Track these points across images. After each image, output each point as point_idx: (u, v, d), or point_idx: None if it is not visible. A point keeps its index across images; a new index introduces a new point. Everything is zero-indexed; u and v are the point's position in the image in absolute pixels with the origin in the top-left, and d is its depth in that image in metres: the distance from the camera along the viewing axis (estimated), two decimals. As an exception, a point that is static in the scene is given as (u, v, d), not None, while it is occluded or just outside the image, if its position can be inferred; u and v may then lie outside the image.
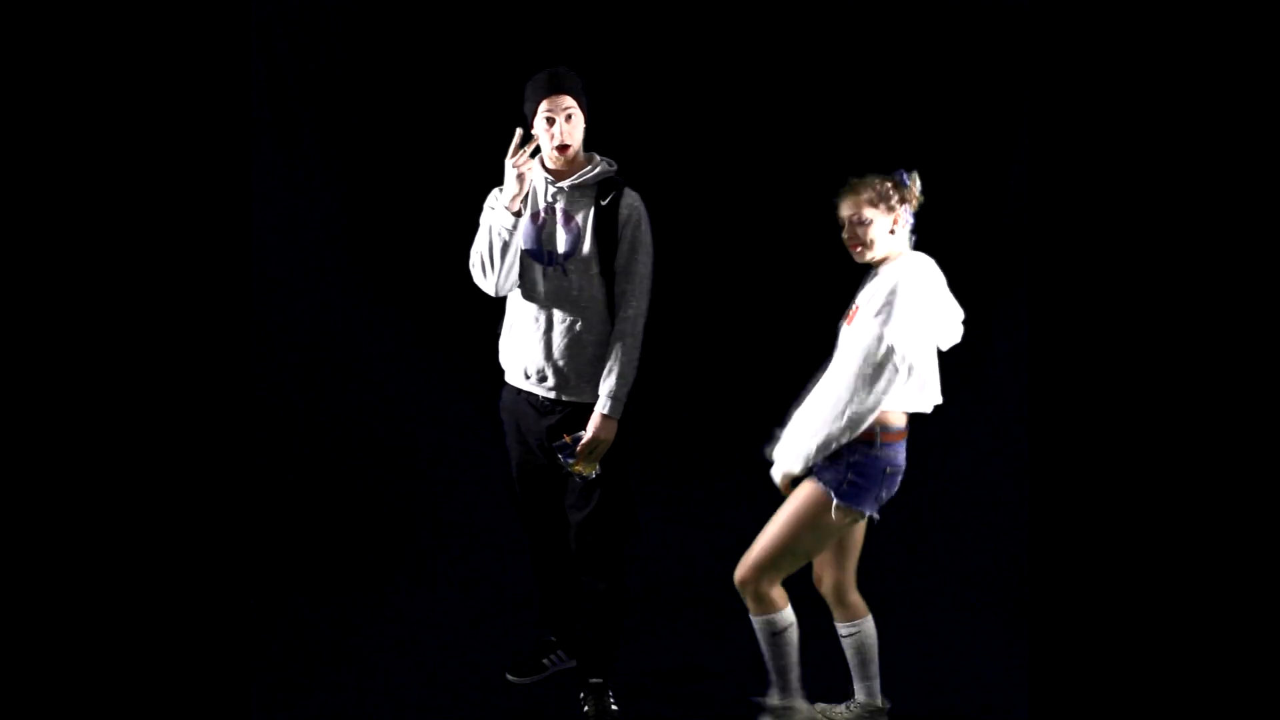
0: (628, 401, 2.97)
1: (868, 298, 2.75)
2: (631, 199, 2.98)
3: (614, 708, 3.14)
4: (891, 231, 2.79)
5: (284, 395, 4.37)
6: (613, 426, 2.94)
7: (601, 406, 2.93)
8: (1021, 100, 4.11)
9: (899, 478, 2.82)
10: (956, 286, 2.85)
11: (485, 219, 3.01)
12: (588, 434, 2.93)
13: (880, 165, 2.83)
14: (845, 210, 2.81)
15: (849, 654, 3.00)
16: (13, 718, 2.02)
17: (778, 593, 2.88)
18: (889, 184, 2.79)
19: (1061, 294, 2.21)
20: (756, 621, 2.91)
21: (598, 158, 3.01)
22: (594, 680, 3.16)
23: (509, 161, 2.87)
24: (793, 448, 2.81)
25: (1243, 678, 2.06)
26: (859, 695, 3.03)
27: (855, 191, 2.79)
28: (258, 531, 4.14)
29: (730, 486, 4.30)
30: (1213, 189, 2.11)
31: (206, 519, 2.17)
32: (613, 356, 2.94)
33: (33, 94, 2.06)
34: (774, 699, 2.99)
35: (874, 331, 2.67)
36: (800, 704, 2.99)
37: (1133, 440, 2.14)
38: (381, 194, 4.39)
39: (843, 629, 2.99)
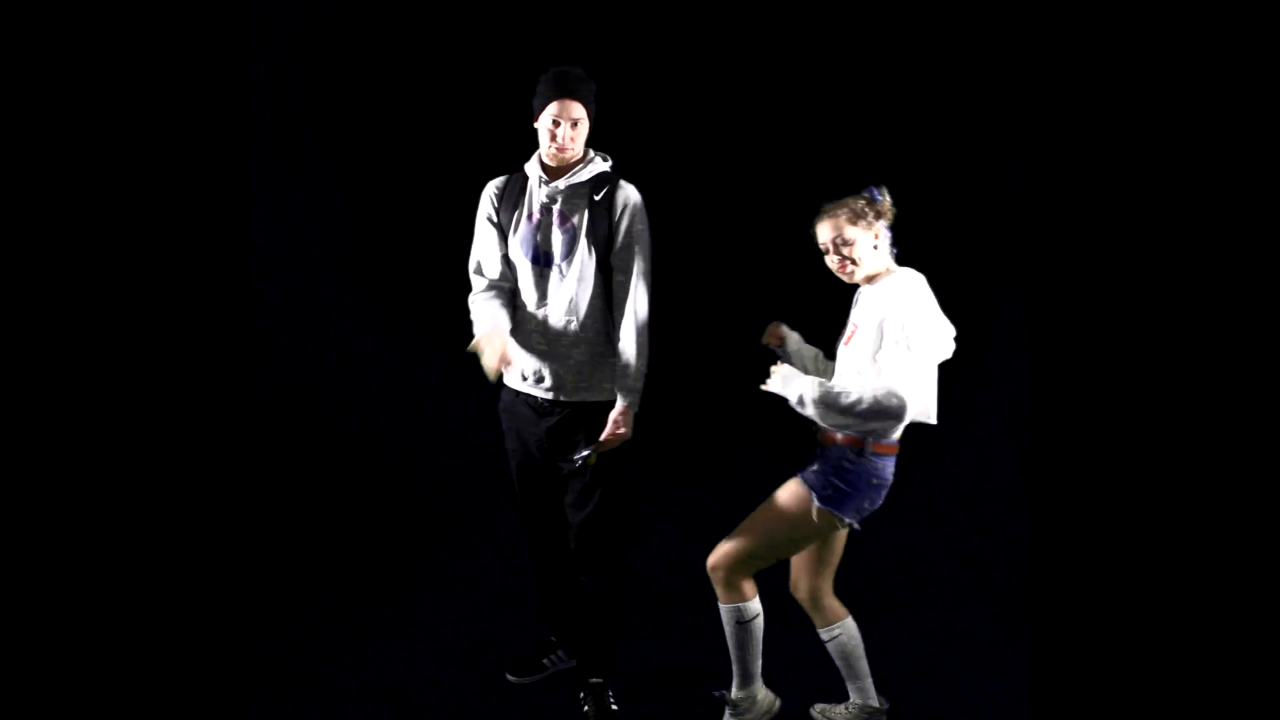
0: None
1: (865, 318, 2.75)
2: (627, 192, 2.97)
3: (614, 708, 3.14)
4: (875, 247, 2.80)
5: (284, 395, 4.36)
6: (631, 418, 2.95)
7: (623, 400, 2.93)
8: (1021, 100, 4.11)
9: (885, 491, 2.84)
10: (956, 287, 2.85)
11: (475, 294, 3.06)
12: (620, 429, 2.93)
13: (876, 165, 2.84)
14: (825, 234, 2.82)
15: (834, 658, 3.01)
16: (13, 718, 2.02)
17: (747, 583, 2.91)
18: (861, 201, 2.81)
19: (1062, 294, 2.21)
20: (724, 610, 2.94)
21: (593, 153, 3.00)
22: (594, 680, 3.16)
23: (491, 364, 2.88)
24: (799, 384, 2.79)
25: (1242, 678, 2.06)
26: (853, 697, 3.04)
27: (831, 214, 2.81)
28: (258, 532, 4.14)
29: (730, 486, 4.30)
30: (1212, 189, 2.11)
31: (207, 519, 2.17)
32: (625, 352, 2.94)
33: (33, 94, 2.06)
34: (735, 690, 3.01)
35: (884, 369, 2.68)
36: (761, 693, 3.01)
37: (1132, 443, 2.14)
38: (381, 195, 4.38)
39: (823, 634, 3.00)
